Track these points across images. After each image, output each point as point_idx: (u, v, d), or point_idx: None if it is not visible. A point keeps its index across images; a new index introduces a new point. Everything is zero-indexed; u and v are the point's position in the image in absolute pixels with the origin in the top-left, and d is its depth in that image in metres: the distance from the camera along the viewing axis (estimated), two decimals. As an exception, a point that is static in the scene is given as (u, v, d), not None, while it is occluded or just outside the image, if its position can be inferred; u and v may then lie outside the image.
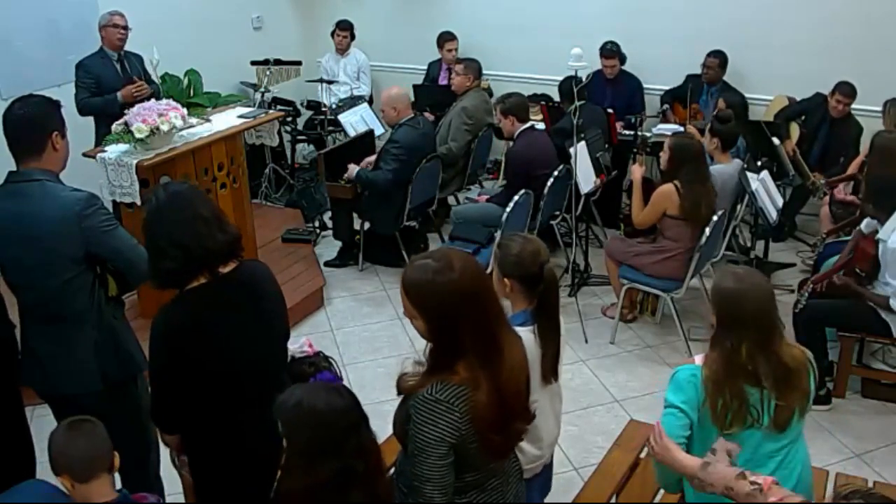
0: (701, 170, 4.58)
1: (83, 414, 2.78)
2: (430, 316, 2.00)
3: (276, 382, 2.47)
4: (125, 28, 5.27)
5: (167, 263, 2.27)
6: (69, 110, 2.92)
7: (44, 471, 2.35)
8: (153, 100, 4.74)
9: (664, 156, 4.57)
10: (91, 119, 5.25)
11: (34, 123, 2.73)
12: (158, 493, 3.17)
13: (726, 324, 2.38)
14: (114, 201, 4.44)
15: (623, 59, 6.52)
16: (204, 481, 2.54)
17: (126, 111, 4.43)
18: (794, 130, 5.95)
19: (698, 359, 2.45)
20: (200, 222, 2.28)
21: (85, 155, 4.63)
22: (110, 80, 5.25)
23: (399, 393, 2.08)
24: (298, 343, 2.72)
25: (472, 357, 1.98)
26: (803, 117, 6.02)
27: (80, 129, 4.92)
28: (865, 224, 4.31)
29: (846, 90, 5.64)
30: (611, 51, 6.46)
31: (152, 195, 2.40)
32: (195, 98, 5.41)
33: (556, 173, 5.19)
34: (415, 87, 7.06)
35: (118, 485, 2.84)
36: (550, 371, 2.52)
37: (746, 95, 6.21)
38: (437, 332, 2.01)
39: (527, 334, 2.43)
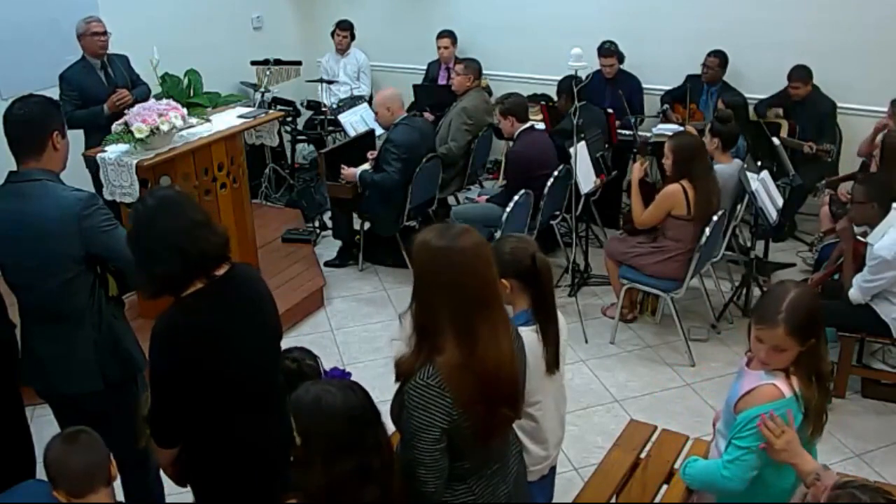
0: (705, 164, 4.61)
1: (83, 414, 2.79)
2: (416, 272, 2.04)
3: (273, 383, 2.47)
4: (104, 34, 5.16)
5: (164, 269, 2.24)
6: (69, 110, 2.91)
7: (44, 471, 2.34)
8: (152, 99, 4.74)
9: (667, 161, 4.57)
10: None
11: (34, 123, 2.73)
12: (158, 494, 3.17)
13: (815, 338, 2.25)
14: (113, 201, 4.43)
15: (621, 59, 6.52)
16: (203, 486, 2.53)
17: (127, 111, 4.41)
18: (784, 126, 6.03)
19: (782, 385, 2.28)
20: (194, 226, 2.27)
21: (85, 155, 4.63)
22: (95, 90, 5.14)
23: (397, 378, 2.09)
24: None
25: (449, 332, 1.99)
26: (781, 110, 6.13)
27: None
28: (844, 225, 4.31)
29: (797, 74, 5.87)
30: (608, 50, 6.45)
31: (139, 202, 2.38)
32: (195, 98, 5.39)
33: (556, 173, 5.19)
34: (415, 87, 7.06)
35: (119, 485, 2.84)
36: (553, 362, 2.53)
37: (746, 95, 6.22)
38: (416, 293, 2.04)
39: (530, 334, 2.43)
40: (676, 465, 3.08)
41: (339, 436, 1.93)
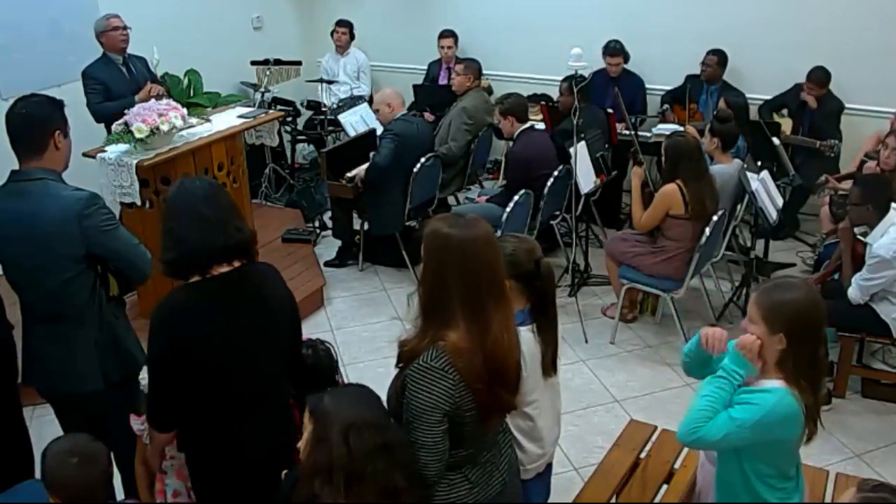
0: (699, 166, 4.57)
1: (84, 413, 2.79)
2: (427, 259, 2.07)
3: (274, 387, 2.47)
4: (125, 28, 5.18)
5: (167, 254, 2.32)
6: (71, 110, 2.92)
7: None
8: (153, 99, 4.73)
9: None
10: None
11: (36, 122, 2.74)
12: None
13: (802, 337, 2.22)
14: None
15: (627, 58, 6.52)
16: (202, 484, 2.54)
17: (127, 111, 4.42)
18: (787, 123, 6.03)
19: (778, 384, 2.25)
20: (199, 222, 2.30)
21: (85, 155, 4.63)
22: (118, 85, 5.15)
23: (399, 361, 2.12)
24: None
25: (460, 315, 2.02)
26: (785, 109, 6.15)
27: (85, 129, 4.92)
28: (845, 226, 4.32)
29: (815, 77, 5.83)
30: (615, 49, 6.46)
31: (171, 186, 2.46)
32: (195, 98, 5.41)
33: (556, 173, 5.19)
34: (415, 87, 7.07)
35: (119, 484, 2.84)
36: (551, 365, 2.55)
37: (747, 95, 6.22)
38: (425, 277, 2.07)
39: (526, 333, 2.44)
40: (676, 465, 3.09)
41: (361, 409, 1.94)
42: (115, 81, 5.16)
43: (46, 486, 2.22)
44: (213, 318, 2.31)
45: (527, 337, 2.44)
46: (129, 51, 5.30)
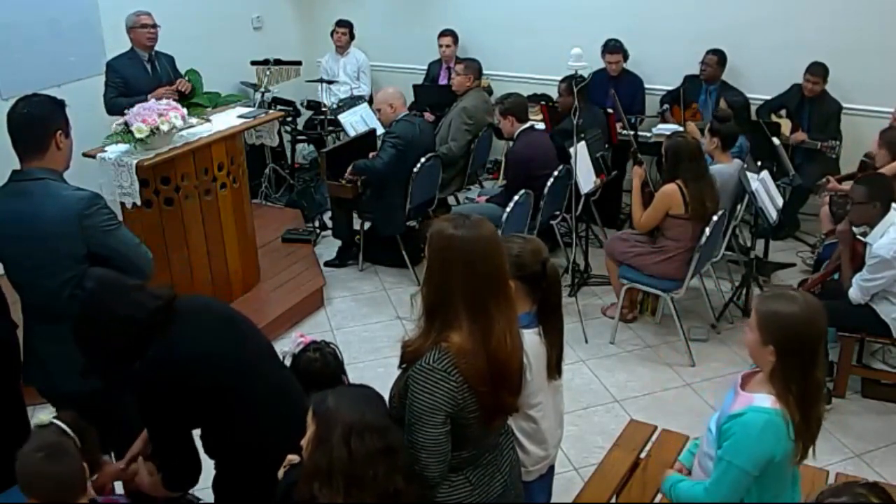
0: (699, 166, 4.57)
1: (84, 413, 2.78)
2: (431, 259, 2.07)
3: (270, 386, 2.50)
4: (154, 26, 5.26)
5: (123, 335, 2.30)
6: (72, 110, 2.92)
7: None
8: (152, 100, 4.73)
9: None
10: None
11: (37, 122, 2.74)
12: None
13: (792, 352, 2.19)
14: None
15: (626, 56, 6.53)
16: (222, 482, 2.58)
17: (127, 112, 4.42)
18: (786, 125, 6.03)
19: (768, 401, 2.22)
20: (135, 292, 2.35)
21: (85, 155, 4.63)
22: (139, 81, 5.22)
23: (402, 362, 2.12)
24: (291, 338, 2.75)
25: (463, 316, 2.02)
26: (784, 110, 6.16)
27: (86, 129, 4.92)
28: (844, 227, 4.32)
29: (814, 70, 5.86)
30: (614, 47, 6.46)
31: (87, 290, 2.50)
32: (195, 98, 5.40)
33: (556, 173, 5.20)
34: (415, 87, 7.07)
35: (119, 484, 2.85)
36: (555, 367, 2.56)
37: (746, 95, 6.22)
38: (430, 278, 2.07)
39: (532, 336, 2.44)
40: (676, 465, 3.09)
41: (364, 412, 1.92)
42: (137, 78, 5.23)
43: (25, 492, 2.18)
44: (202, 342, 2.35)
45: (532, 340, 2.43)
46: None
